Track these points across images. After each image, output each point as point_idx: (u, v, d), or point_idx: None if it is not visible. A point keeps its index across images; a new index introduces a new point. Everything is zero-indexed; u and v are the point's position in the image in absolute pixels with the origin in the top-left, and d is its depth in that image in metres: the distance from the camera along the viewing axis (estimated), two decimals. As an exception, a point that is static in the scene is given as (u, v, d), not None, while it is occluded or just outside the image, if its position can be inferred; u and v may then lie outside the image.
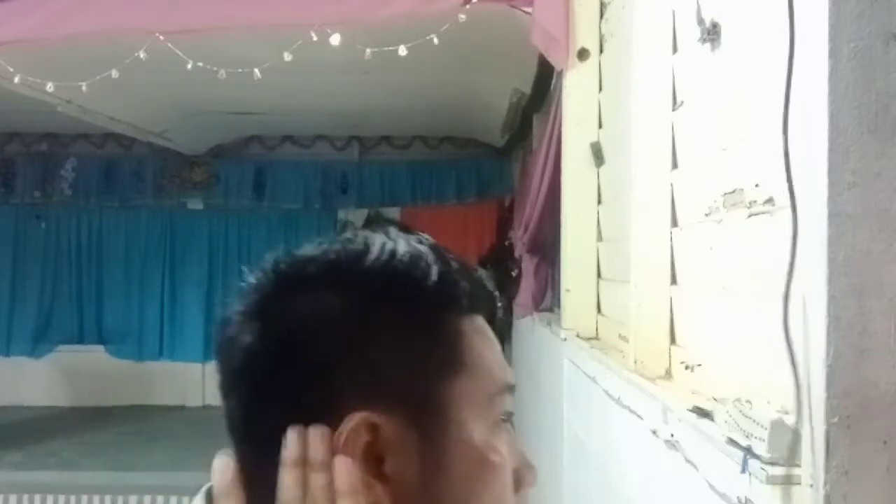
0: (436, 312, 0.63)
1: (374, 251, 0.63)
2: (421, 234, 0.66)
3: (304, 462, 0.58)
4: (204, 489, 0.65)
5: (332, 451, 0.57)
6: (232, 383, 0.63)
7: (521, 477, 0.66)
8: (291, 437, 0.58)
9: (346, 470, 0.57)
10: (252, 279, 0.64)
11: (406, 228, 0.66)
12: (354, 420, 0.58)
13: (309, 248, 0.65)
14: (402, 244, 0.64)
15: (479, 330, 0.65)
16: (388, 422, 0.59)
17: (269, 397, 0.61)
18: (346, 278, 0.62)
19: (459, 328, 0.63)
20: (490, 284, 0.69)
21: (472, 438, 0.61)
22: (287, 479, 0.58)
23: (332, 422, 0.58)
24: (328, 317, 0.61)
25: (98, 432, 7.97)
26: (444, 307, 0.63)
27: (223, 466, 0.63)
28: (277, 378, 0.60)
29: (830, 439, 1.18)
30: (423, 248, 0.64)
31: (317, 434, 0.58)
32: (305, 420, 0.58)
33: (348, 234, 0.65)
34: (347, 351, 0.60)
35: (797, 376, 1.24)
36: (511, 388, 0.66)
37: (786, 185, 1.31)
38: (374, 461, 0.58)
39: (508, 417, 0.66)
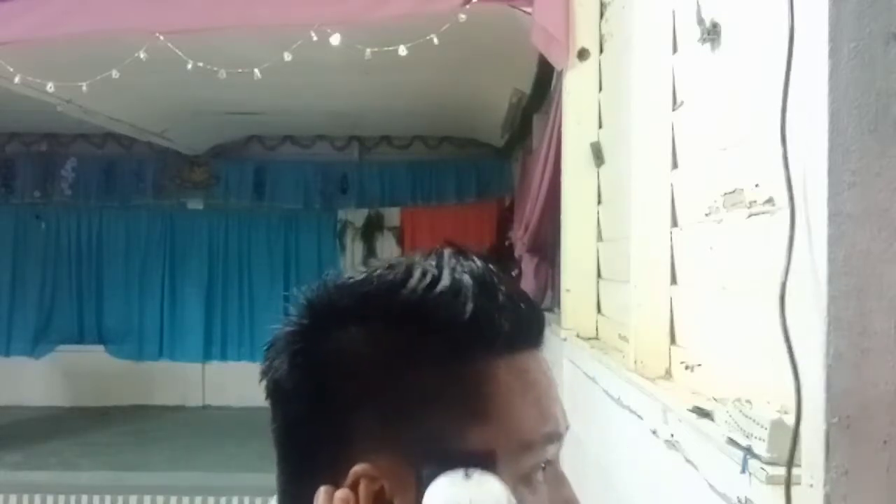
0: (463, 355, 0.59)
1: (412, 283, 0.59)
2: (476, 260, 0.62)
3: None
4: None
5: None
6: (270, 406, 0.64)
7: None
8: (318, 500, 0.58)
9: None
10: (300, 300, 0.63)
11: (461, 252, 0.62)
12: (355, 475, 0.58)
13: (354, 273, 0.63)
14: (446, 274, 0.60)
15: (516, 373, 0.61)
16: (395, 468, 0.57)
17: (293, 430, 0.62)
18: (376, 313, 0.60)
19: (490, 373, 0.59)
20: (541, 313, 0.65)
21: None
22: None
23: (348, 463, 0.58)
24: (351, 357, 0.60)
25: (98, 432, 7.96)
26: (475, 349, 0.59)
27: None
28: (301, 413, 0.61)
29: (830, 439, 1.18)
30: (467, 280, 0.60)
31: (341, 499, 0.57)
32: (324, 457, 0.59)
33: (396, 259, 0.62)
34: (367, 393, 0.59)
35: (797, 376, 1.24)
36: (550, 438, 0.62)
37: (785, 185, 1.31)
38: None
39: (547, 466, 0.62)
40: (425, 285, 0.59)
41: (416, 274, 0.60)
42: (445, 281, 0.59)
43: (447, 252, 0.62)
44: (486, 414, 0.59)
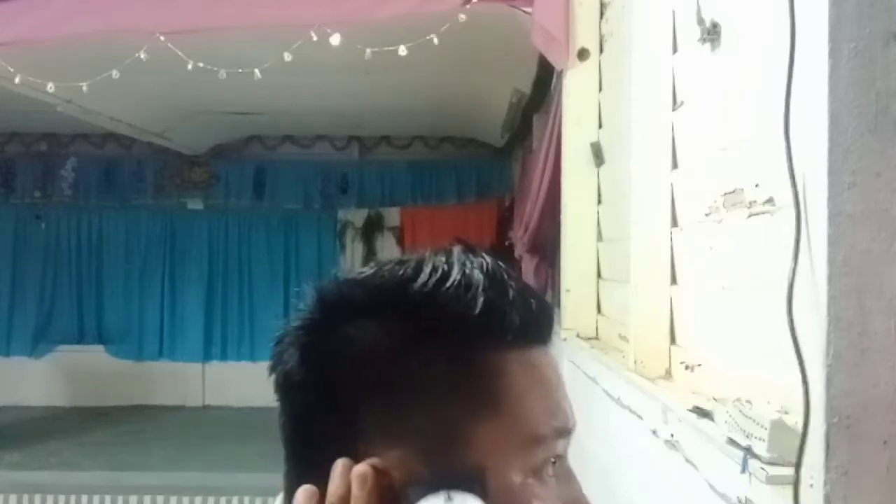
0: (475, 349, 0.59)
1: (422, 278, 0.60)
2: (485, 256, 0.62)
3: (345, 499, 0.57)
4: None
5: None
6: (278, 400, 0.64)
7: None
8: (335, 472, 0.57)
9: None
10: (308, 294, 0.63)
11: (471, 249, 0.63)
12: (362, 467, 0.57)
13: (365, 269, 0.63)
14: (456, 269, 0.60)
15: (527, 368, 0.61)
16: (405, 463, 0.57)
17: (302, 424, 0.62)
18: (387, 307, 0.60)
19: (501, 367, 0.60)
20: (550, 309, 0.65)
21: (508, 485, 0.58)
22: None
23: (356, 457, 0.57)
24: (361, 349, 0.60)
25: (98, 432, 7.96)
26: (486, 343, 0.60)
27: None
28: (309, 405, 0.61)
29: (830, 439, 1.18)
30: (477, 275, 0.60)
31: (358, 474, 0.56)
32: (332, 450, 0.58)
33: (407, 256, 0.63)
34: (377, 385, 0.59)
35: (805, 375, 1.24)
36: (560, 433, 0.62)
37: (789, 185, 1.31)
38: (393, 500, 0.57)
39: (557, 461, 0.62)
40: (436, 280, 0.60)
41: (427, 269, 0.60)
42: (456, 276, 0.60)
43: (457, 249, 0.63)
44: (497, 407, 0.59)
